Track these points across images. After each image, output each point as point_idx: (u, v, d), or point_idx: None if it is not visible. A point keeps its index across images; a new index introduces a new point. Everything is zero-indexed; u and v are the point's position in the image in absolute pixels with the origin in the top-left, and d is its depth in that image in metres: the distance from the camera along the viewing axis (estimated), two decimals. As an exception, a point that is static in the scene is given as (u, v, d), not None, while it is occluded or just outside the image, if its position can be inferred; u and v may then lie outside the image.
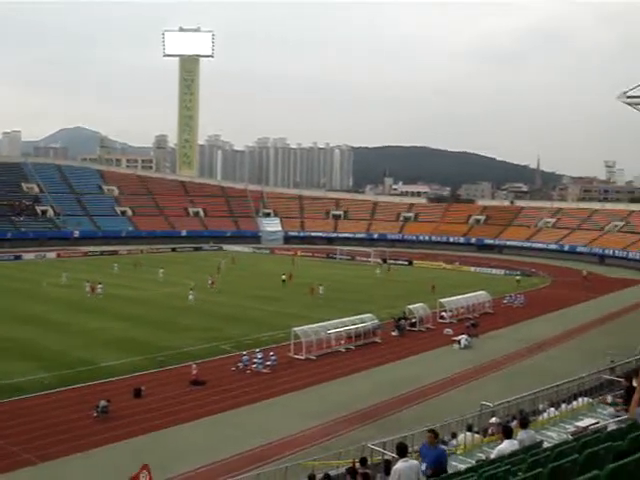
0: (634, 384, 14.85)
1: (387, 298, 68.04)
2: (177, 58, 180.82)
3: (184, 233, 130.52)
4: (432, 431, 13.79)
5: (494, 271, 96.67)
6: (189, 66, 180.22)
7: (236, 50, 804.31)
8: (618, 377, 25.15)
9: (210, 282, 72.59)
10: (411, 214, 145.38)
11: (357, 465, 18.07)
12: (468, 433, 22.79)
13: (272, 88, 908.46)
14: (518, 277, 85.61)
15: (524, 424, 14.35)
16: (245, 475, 23.41)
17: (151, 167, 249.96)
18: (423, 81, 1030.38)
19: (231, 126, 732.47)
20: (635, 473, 5.65)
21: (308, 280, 75.25)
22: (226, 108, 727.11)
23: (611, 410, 18.18)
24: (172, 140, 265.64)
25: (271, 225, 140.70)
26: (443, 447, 13.62)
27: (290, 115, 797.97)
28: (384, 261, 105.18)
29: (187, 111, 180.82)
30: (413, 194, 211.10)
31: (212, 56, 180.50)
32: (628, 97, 33.25)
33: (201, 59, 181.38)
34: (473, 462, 15.88)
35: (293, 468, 22.92)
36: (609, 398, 22.58)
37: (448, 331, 53.30)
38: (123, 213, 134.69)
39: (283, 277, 76.65)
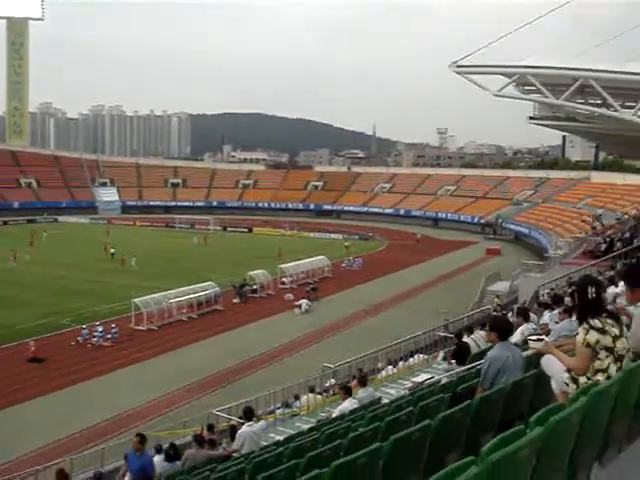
0: (464, 340, 15.67)
1: (228, 265, 67.85)
2: (3, 20, 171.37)
3: (16, 205, 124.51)
4: (139, 435, 13.48)
5: (332, 236, 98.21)
6: (17, 29, 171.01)
7: (69, 14, 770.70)
8: (451, 334, 26.42)
9: (12, 258, 67.45)
10: (250, 181, 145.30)
11: (204, 432, 18.20)
12: (310, 394, 23.43)
13: (106, 54, 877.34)
14: (347, 243, 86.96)
15: (363, 383, 14.91)
16: (90, 450, 23.12)
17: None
18: (262, 48, 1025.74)
19: (64, 93, 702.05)
20: (463, 419, 6.11)
21: (141, 251, 73.82)
22: (58, 74, 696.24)
23: (444, 365, 19.09)
24: (0, 108, 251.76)
25: (108, 195, 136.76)
26: (150, 454, 13.62)
27: (126, 82, 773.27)
28: (224, 229, 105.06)
29: (16, 77, 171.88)
30: (252, 161, 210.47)
31: (42, 19, 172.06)
32: (458, 66, 34.45)
33: (31, 22, 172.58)
34: (315, 422, 16.37)
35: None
36: (442, 354, 23.73)
37: (289, 296, 54.06)
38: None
39: (112, 251, 73.15)
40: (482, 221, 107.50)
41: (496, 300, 41.42)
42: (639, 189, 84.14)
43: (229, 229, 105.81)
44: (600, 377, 5.59)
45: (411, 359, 27.29)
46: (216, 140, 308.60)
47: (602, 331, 5.68)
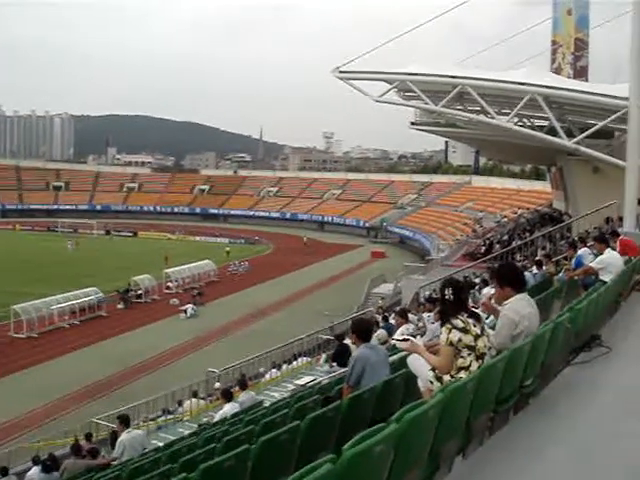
0: (346, 341, 15.93)
1: (112, 270, 66.32)
2: None
3: None
4: None
5: (219, 240, 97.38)
6: None
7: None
8: (334, 336, 26.79)
9: None
10: (135, 184, 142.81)
11: (83, 442, 17.85)
12: (194, 399, 23.32)
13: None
14: (228, 248, 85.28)
15: (243, 386, 14.98)
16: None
17: None
18: (148, 49, 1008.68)
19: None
20: (333, 419, 6.25)
21: (24, 257, 71.53)
22: None
23: (327, 367, 19.35)
24: None
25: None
26: None
27: (4, 81, 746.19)
28: (107, 233, 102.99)
29: None
30: (137, 164, 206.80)
31: None
32: (341, 72, 34.84)
33: None
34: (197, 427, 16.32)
35: (17, 452, 22.23)
36: (324, 356, 24.06)
37: (174, 301, 53.61)
38: None
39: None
40: (367, 225, 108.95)
41: (380, 302, 42.07)
42: (517, 193, 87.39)
43: (113, 233, 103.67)
44: (463, 375, 5.83)
45: (295, 362, 27.56)
46: (100, 142, 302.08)
47: (464, 330, 5.94)
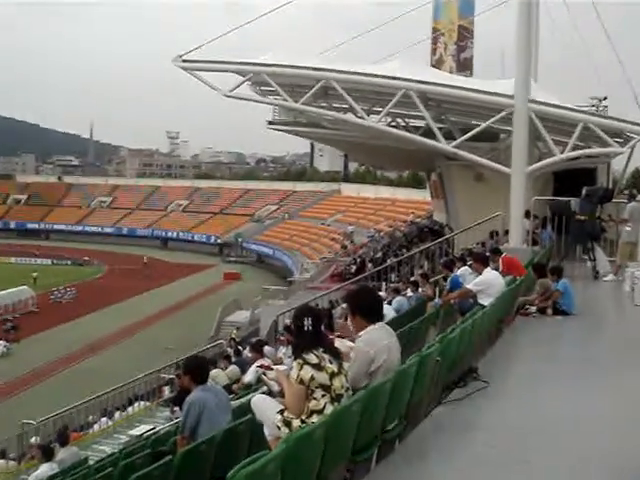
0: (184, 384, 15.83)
1: None
2: None
3: None
4: None
5: (39, 261, 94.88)
6: None
7: None
8: (177, 375, 26.55)
9: None
10: None
11: None
12: (1, 461, 22.55)
13: None
14: (35, 273, 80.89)
15: (63, 442, 14.62)
16: None
17: None
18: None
19: None
20: (164, 476, 6.20)
21: None
22: None
23: (167, 413, 19.19)
24: None
25: None
26: None
27: None
28: None
29: None
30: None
31: None
32: (184, 61, 34.45)
33: None
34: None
35: None
36: (165, 400, 23.83)
37: (-18, 337, 51.95)
38: None
39: None
40: (219, 241, 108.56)
41: (234, 332, 42.00)
42: (393, 203, 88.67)
43: None
44: (315, 419, 5.76)
45: (130, 408, 27.14)
46: None
47: (318, 367, 5.85)
